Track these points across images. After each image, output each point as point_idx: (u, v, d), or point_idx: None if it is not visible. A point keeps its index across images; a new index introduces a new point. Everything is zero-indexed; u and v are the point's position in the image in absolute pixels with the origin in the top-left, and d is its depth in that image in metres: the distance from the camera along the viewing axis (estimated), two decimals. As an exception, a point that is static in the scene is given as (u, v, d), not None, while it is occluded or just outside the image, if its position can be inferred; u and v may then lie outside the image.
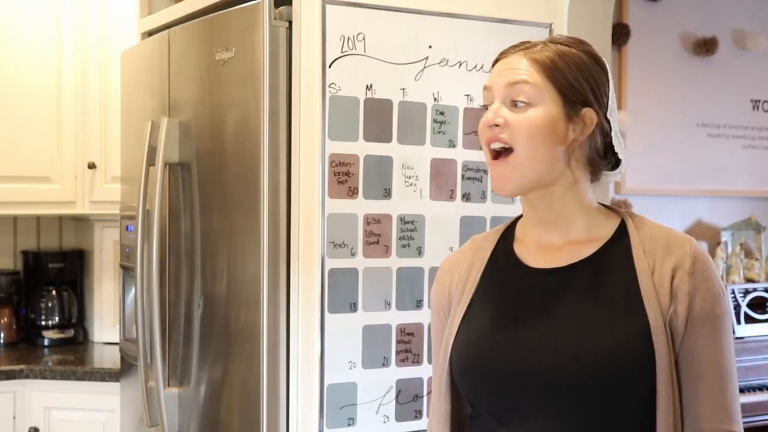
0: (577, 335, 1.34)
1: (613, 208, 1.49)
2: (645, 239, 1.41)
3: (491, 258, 1.50)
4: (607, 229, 1.44)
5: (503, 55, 1.43)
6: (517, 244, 1.49)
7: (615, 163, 1.46)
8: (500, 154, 1.38)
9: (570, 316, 1.37)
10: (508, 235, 1.52)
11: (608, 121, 1.41)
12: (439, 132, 2.22)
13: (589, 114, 1.39)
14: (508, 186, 1.39)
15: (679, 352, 1.35)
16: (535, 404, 1.36)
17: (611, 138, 1.42)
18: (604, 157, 1.43)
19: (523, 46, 1.42)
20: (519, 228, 1.51)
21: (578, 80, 1.38)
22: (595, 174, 1.44)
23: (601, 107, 1.40)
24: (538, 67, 1.38)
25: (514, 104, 1.38)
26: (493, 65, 1.45)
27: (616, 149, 1.44)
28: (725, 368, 1.36)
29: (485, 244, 1.53)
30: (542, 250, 1.45)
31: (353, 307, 2.15)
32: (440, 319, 1.54)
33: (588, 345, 1.33)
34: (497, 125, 1.37)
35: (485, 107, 1.42)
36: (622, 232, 1.43)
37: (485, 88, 1.42)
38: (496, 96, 1.40)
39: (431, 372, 1.66)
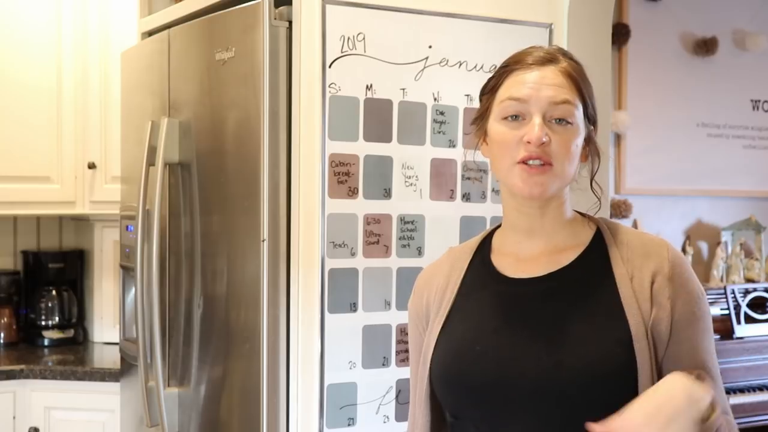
0: (559, 344, 1.34)
1: (588, 216, 1.49)
2: (622, 246, 1.41)
3: (469, 269, 1.50)
4: (584, 237, 1.44)
5: (523, 65, 1.40)
6: (495, 255, 1.48)
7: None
8: (534, 165, 1.36)
9: (551, 324, 1.37)
10: (485, 246, 1.51)
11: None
12: (439, 132, 2.22)
13: (593, 133, 1.43)
14: (544, 193, 1.37)
15: (664, 359, 1.35)
16: (517, 413, 1.35)
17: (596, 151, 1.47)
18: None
19: (545, 58, 1.40)
20: (496, 239, 1.51)
21: (593, 98, 1.42)
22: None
23: (595, 125, 1.44)
24: (571, 82, 1.38)
25: (556, 121, 1.36)
26: (507, 73, 1.41)
27: (594, 165, 1.46)
28: (711, 369, 1.37)
29: (462, 255, 1.53)
30: (521, 260, 1.44)
31: (353, 307, 2.15)
32: (418, 331, 1.54)
33: (570, 353, 1.33)
34: (543, 143, 1.34)
35: (513, 117, 1.37)
36: (598, 240, 1.44)
37: (516, 99, 1.37)
38: (534, 110, 1.36)
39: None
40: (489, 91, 1.44)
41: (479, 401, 1.39)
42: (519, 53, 1.44)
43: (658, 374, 1.34)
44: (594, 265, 1.40)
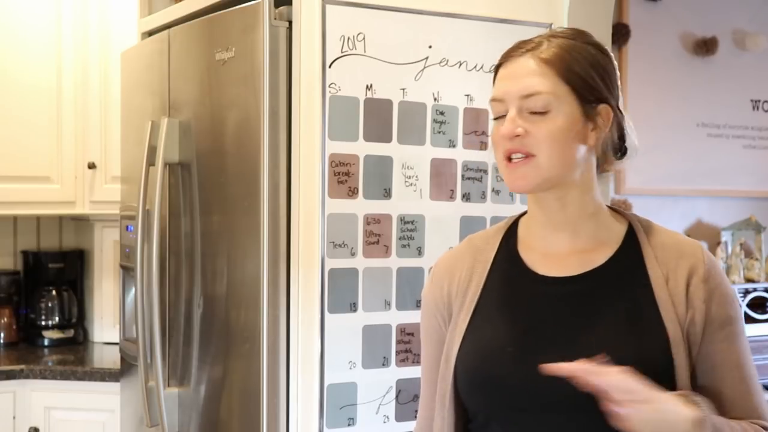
0: (596, 348, 1.29)
1: (619, 211, 1.45)
2: (656, 246, 1.38)
3: (495, 262, 1.44)
4: (615, 234, 1.40)
5: (507, 58, 1.37)
6: (522, 247, 1.44)
7: (623, 151, 1.44)
8: (516, 159, 1.33)
9: (586, 329, 1.33)
10: (510, 236, 1.46)
11: (621, 111, 1.39)
12: (439, 132, 2.23)
13: (604, 110, 1.36)
14: (528, 185, 1.35)
15: (696, 359, 1.33)
16: (550, 418, 1.32)
17: (624, 129, 1.41)
18: (619, 149, 1.42)
19: (526, 47, 1.36)
20: (522, 229, 1.46)
21: (591, 76, 1.34)
22: (604, 167, 1.42)
23: (615, 99, 1.38)
24: (549, 68, 1.33)
25: (532, 112, 1.33)
26: (497, 69, 1.39)
27: (631, 139, 1.42)
28: (747, 370, 1.36)
29: (485, 246, 1.47)
30: (550, 256, 1.40)
31: (353, 307, 2.15)
32: (436, 321, 1.48)
33: (607, 360, 1.27)
34: (518, 135, 1.32)
35: (501, 116, 1.35)
36: (631, 238, 1.40)
37: (495, 99, 1.36)
38: (510, 106, 1.34)
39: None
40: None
41: (511, 404, 1.35)
42: (509, 47, 1.40)
43: (691, 374, 1.32)
44: (629, 267, 1.37)
